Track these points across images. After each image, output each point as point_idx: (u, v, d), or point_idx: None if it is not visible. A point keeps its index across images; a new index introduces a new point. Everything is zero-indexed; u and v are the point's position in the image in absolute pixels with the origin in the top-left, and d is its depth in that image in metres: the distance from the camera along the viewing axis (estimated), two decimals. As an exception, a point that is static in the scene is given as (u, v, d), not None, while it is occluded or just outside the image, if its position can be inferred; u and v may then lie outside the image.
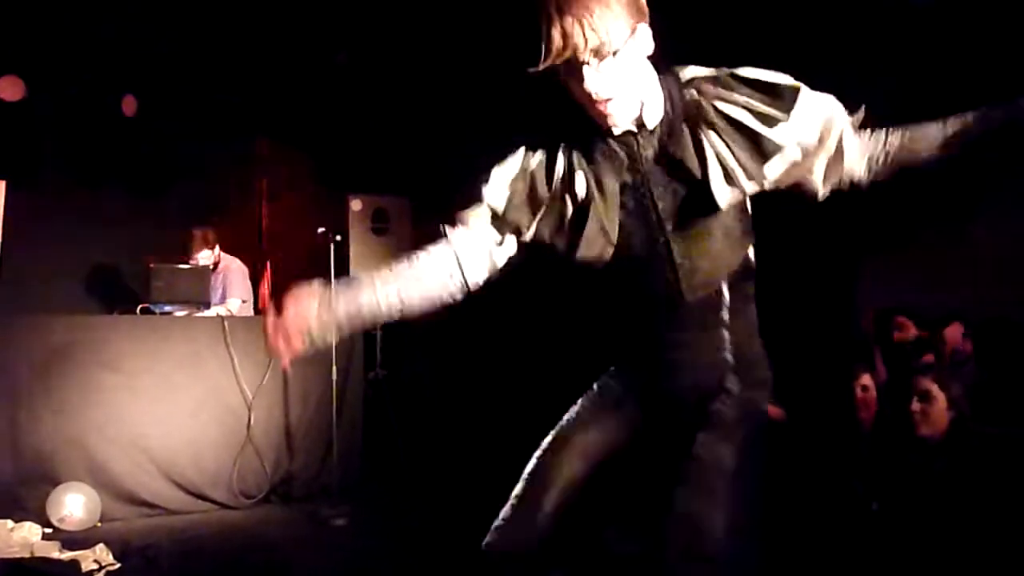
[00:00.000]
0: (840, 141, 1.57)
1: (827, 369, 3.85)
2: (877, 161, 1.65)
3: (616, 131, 1.50)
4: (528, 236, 1.59)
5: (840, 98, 1.61)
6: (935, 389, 2.75)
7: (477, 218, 1.60)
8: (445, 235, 1.62)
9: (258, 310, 5.47)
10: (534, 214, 1.58)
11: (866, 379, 3.49)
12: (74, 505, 3.97)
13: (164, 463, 4.32)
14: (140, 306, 4.80)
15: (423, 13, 5.15)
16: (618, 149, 1.52)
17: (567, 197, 1.56)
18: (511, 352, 5.67)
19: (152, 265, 4.91)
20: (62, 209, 5.58)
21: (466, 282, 1.61)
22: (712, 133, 1.49)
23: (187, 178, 6.20)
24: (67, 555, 3.49)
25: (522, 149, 1.61)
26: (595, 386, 1.76)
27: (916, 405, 2.75)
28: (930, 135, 1.65)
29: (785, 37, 4.49)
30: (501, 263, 1.63)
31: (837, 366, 3.67)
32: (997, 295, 3.77)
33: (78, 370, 4.20)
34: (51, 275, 5.50)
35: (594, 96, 1.43)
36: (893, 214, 4.40)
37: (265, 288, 6.17)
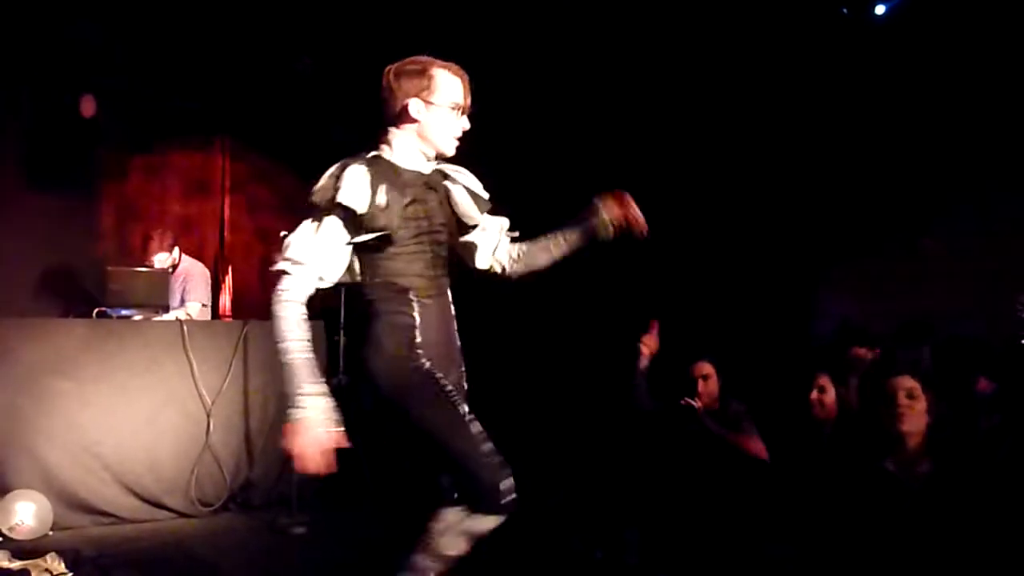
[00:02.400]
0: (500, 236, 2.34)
1: (787, 374, 3.92)
2: (512, 262, 2.36)
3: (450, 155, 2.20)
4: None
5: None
6: (919, 389, 2.71)
7: None
8: None
9: (218, 315, 5.40)
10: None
11: (824, 380, 3.52)
12: (25, 513, 3.87)
13: (119, 470, 4.24)
14: (96, 310, 4.71)
15: (388, 17, 5.16)
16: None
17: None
18: (470, 359, 5.67)
19: (109, 268, 4.83)
20: (17, 209, 5.46)
21: None
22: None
23: (146, 181, 6.12)
24: (17, 564, 3.40)
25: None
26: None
27: (904, 400, 2.69)
28: (540, 251, 2.34)
29: (755, 52, 4.58)
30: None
31: (797, 371, 3.74)
32: (944, 305, 3.88)
33: (30, 375, 4.10)
34: (3, 277, 5.38)
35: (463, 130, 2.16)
36: (849, 228, 4.52)
37: (226, 295, 6.10)
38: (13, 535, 3.83)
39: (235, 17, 5.25)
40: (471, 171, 2.30)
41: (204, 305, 5.18)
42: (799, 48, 4.53)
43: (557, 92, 5.34)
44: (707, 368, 3.82)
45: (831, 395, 3.48)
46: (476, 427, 2.00)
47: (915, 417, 2.69)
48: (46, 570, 3.39)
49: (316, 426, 1.90)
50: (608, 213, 2.27)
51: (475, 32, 5.16)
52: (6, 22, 5.05)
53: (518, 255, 2.35)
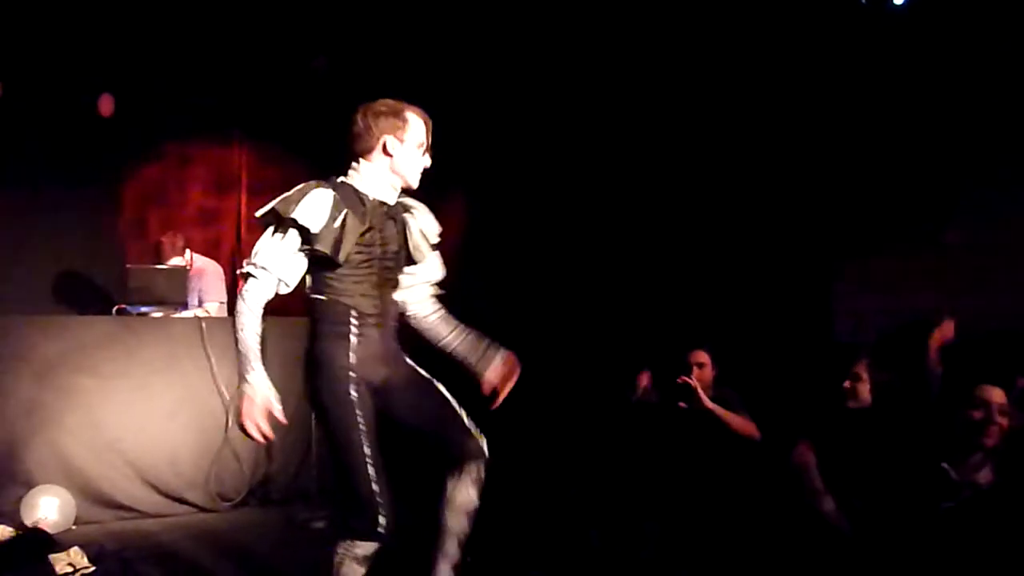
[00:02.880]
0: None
1: (807, 368, 3.89)
2: (414, 314, 2.61)
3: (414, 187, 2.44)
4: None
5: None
6: (1007, 405, 2.62)
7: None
8: None
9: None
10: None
11: (861, 368, 3.51)
12: (48, 508, 3.91)
13: (140, 466, 4.28)
14: (115, 307, 4.75)
15: (406, 17, 5.17)
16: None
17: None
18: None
19: (128, 266, 4.88)
20: (37, 209, 5.52)
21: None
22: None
23: (165, 179, 6.17)
24: (41, 558, 3.45)
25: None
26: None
27: (998, 418, 2.60)
28: (436, 334, 2.63)
29: (769, 41, 4.55)
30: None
31: (817, 370, 3.70)
32: (967, 301, 3.82)
33: (52, 372, 4.14)
34: (25, 276, 5.44)
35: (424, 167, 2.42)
36: (868, 220, 4.46)
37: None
38: (37, 529, 3.88)
39: (251, 15, 5.28)
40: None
41: (222, 303, 5.22)
42: (815, 39, 4.49)
43: (575, 83, 5.32)
44: (703, 356, 3.95)
45: (867, 385, 3.47)
46: (375, 467, 2.28)
47: (1000, 434, 2.61)
48: (69, 564, 3.43)
49: (257, 400, 2.22)
50: (490, 377, 2.57)
51: (484, 31, 5.18)
52: (25, 24, 5.10)
53: (421, 314, 2.62)
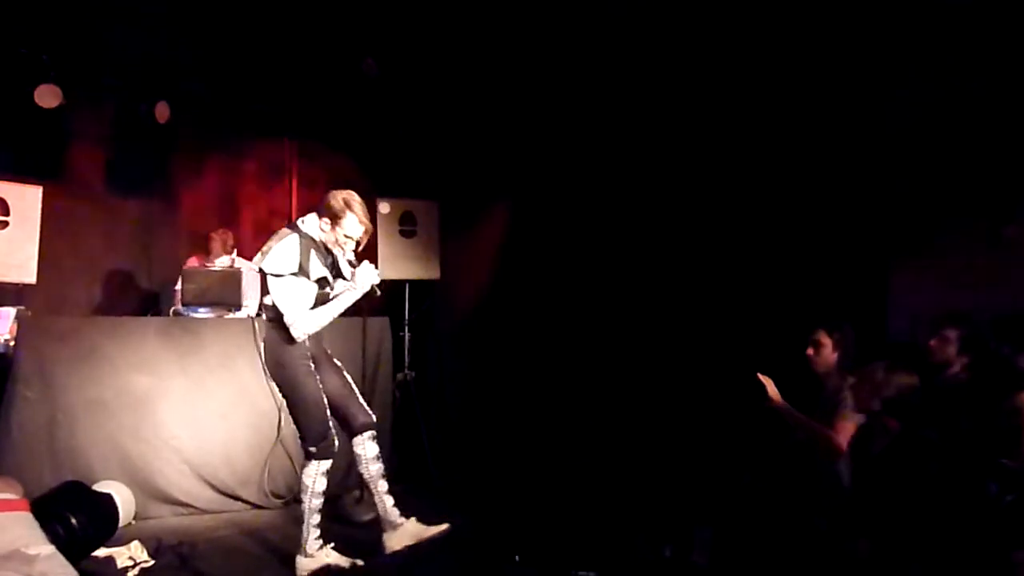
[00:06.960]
0: None
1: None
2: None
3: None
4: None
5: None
6: None
7: None
8: None
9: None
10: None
11: (820, 335, 3.58)
12: (110, 503, 4.03)
13: (196, 463, 4.39)
14: (172, 308, 4.87)
15: (453, 20, 5.21)
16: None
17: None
18: (536, 354, 5.68)
19: (184, 268, 5.00)
20: (96, 214, 5.69)
21: None
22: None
23: (219, 183, 6.31)
24: (103, 552, 3.56)
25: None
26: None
27: None
28: None
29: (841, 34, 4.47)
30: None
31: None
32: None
33: (112, 371, 4.28)
34: (86, 278, 5.62)
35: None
36: (926, 215, 4.34)
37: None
38: (99, 524, 3.99)
39: (301, 22, 5.37)
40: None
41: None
42: (873, 33, 4.39)
43: (635, 85, 5.28)
44: (822, 336, 3.65)
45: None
46: (324, 406, 3.44)
47: None
48: (130, 558, 3.54)
49: None
50: None
51: (528, 41, 5.18)
52: (84, 35, 5.27)
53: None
